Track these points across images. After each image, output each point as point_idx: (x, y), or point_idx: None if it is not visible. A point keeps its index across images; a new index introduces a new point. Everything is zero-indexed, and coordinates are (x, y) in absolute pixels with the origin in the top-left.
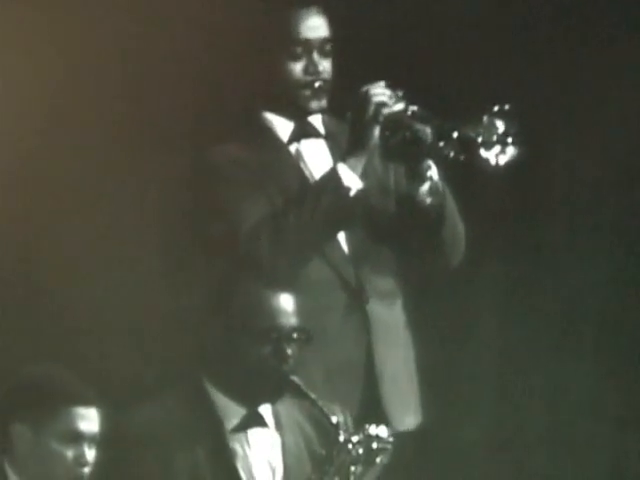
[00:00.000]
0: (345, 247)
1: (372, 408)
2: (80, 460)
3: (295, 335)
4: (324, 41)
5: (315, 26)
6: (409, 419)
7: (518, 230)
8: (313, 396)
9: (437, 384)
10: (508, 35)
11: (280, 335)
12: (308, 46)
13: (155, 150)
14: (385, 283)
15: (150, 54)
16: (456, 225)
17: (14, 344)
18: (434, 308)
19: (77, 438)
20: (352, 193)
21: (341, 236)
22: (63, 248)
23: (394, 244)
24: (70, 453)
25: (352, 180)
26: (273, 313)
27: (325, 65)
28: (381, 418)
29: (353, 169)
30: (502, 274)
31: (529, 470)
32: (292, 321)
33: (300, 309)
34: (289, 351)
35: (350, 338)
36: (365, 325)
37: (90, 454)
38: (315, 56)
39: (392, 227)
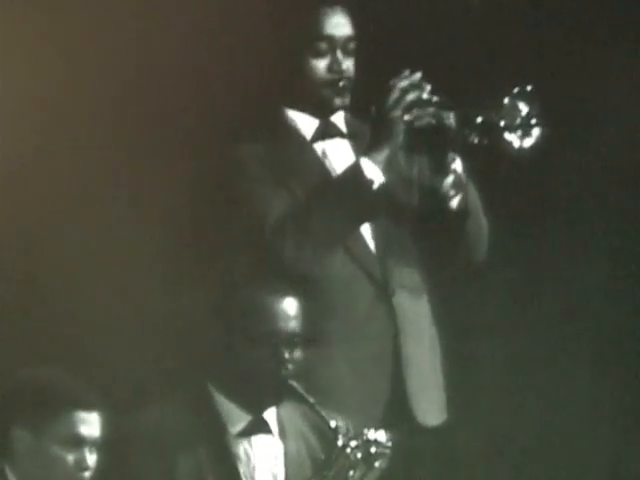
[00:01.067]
0: (370, 241)
1: (398, 402)
2: (81, 465)
3: (295, 339)
4: (348, 39)
5: (340, 24)
6: (434, 415)
7: (544, 221)
8: (312, 400)
9: (462, 380)
10: (525, 15)
11: (279, 339)
12: (332, 44)
13: (174, 151)
14: (410, 277)
15: (174, 51)
16: (480, 219)
17: (15, 347)
18: (459, 303)
19: (78, 442)
20: (375, 186)
21: (365, 230)
22: (65, 250)
23: (418, 238)
24: (71, 457)
25: (375, 173)
26: (273, 317)
27: (348, 63)
28: (407, 413)
29: (376, 162)
30: (529, 267)
31: (557, 468)
32: (292, 325)
33: (302, 313)
34: (287, 355)
35: (376, 331)
36: (391, 318)
37: (91, 459)
38: (339, 54)
39: (416, 221)
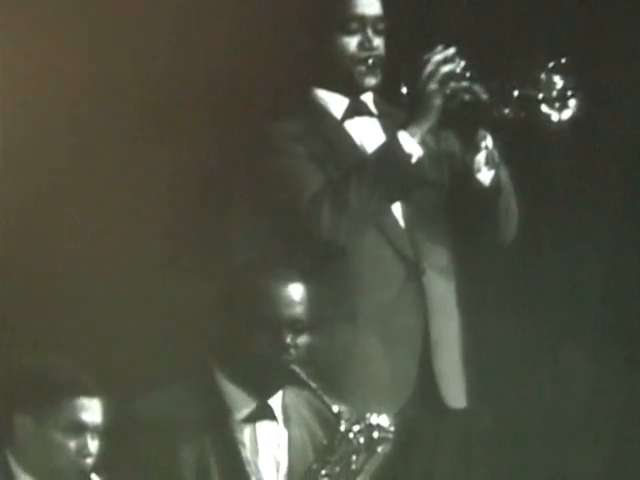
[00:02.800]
0: (400, 218)
1: (425, 383)
2: (83, 451)
3: (298, 325)
4: (378, 18)
5: (370, 3)
6: (461, 396)
7: (579, 202)
8: (314, 385)
9: (485, 363)
10: None
11: (280, 324)
12: (363, 22)
13: (203, 132)
14: (441, 256)
15: (206, 33)
16: (510, 198)
17: (17, 334)
18: (488, 283)
19: (80, 429)
20: (413, 160)
21: (397, 208)
22: (67, 237)
23: (450, 217)
24: (73, 444)
25: (413, 147)
26: (276, 303)
27: (379, 42)
28: (434, 394)
29: (413, 136)
30: (561, 249)
31: (577, 453)
32: (295, 311)
33: (305, 299)
34: (288, 340)
35: (407, 309)
36: (422, 297)
37: (93, 445)
38: (370, 32)
39: (447, 199)
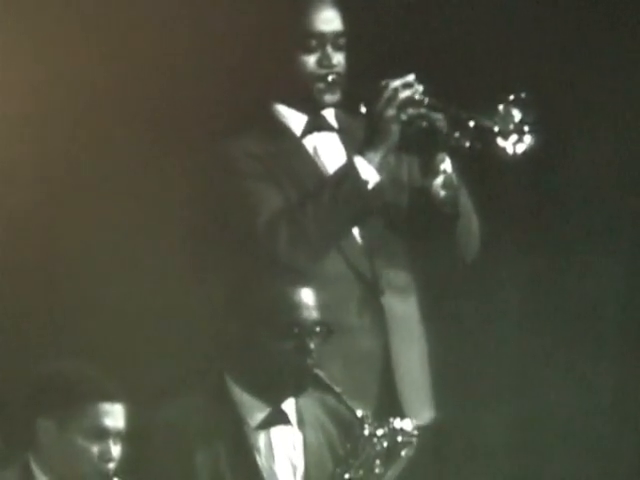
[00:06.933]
0: (360, 240)
1: (388, 401)
2: (105, 456)
3: (317, 329)
4: (338, 34)
5: (329, 19)
6: (424, 413)
7: (536, 224)
8: (338, 390)
9: (451, 379)
10: (521, 22)
11: (302, 329)
12: (322, 39)
13: (169, 146)
14: (400, 277)
15: (162, 49)
16: (471, 220)
17: (40, 340)
18: (449, 303)
19: (102, 434)
20: (370, 186)
21: (356, 229)
22: (86, 246)
23: (409, 238)
24: (95, 449)
25: (370, 173)
26: (295, 307)
27: (339, 58)
28: (397, 411)
29: (370, 162)
30: (519, 269)
31: (542, 467)
32: (314, 315)
33: (321, 303)
34: (312, 345)
35: (366, 331)
36: (381, 318)
37: (115, 450)
38: (329, 49)
39: (407, 221)
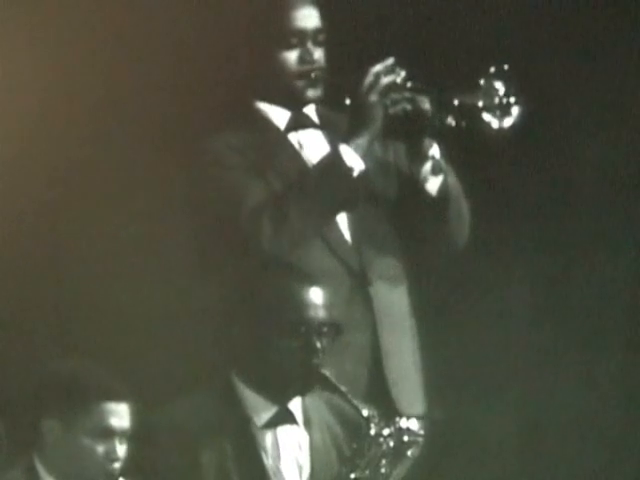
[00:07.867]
0: (347, 230)
1: (378, 393)
2: (111, 456)
3: (325, 329)
4: (318, 30)
5: (309, 15)
6: (414, 406)
7: (526, 209)
8: (344, 389)
9: (442, 371)
10: None
11: (309, 328)
12: (303, 36)
13: (151, 142)
14: (389, 266)
15: (143, 45)
16: (460, 205)
17: (45, 339)
18: (439, 292)
19: (108, 434)
20: (355, 174)
21: (343, 219)
22: (93, 244)
23: (398, 227)
24: (101, 449)
25: (355, 161)
26: (301, 306)
27: (319, 54)
28: (386, 403)
29: (355, 149)
30: (511, 255)
31: (539, 463)
32: (321, 314)
33: (329, 302)
34: (318, 344)
35: (355, 322)
36: (369, 309)
37: (121, 449)
38: (310, 45)
39: (395, 209)
